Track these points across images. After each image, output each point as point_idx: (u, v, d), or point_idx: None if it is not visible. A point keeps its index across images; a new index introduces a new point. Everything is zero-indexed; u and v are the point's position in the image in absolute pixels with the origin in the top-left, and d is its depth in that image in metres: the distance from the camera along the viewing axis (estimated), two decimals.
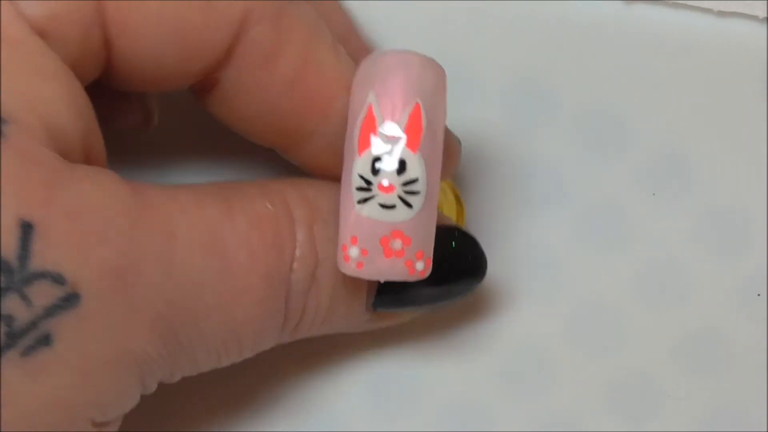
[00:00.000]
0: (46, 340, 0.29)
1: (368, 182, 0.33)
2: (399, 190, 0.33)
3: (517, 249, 0.40)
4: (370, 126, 0.33)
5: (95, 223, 0.30)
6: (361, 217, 0.33)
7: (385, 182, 0.33)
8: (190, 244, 0.32)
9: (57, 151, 0.30)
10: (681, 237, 0.39)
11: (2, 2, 0.30)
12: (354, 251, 0.34)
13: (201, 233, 0.32)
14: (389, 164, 0.33)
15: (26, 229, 0.29)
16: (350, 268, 0.34)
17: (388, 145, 0.33)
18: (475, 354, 0.40)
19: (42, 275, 0.29)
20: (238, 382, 0.39)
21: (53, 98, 0.30)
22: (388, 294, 0.36)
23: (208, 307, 0.33)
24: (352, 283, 0.35)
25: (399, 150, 0.33)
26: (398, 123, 0.33)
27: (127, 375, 0.32)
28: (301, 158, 0.36)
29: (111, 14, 0.31)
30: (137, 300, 0.31)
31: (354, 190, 0.33)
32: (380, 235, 0.33)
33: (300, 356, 0.39)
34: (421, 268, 0.34)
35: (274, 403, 0.39)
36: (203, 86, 0.34)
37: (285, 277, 0.34)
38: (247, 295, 0.33)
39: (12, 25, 0.30)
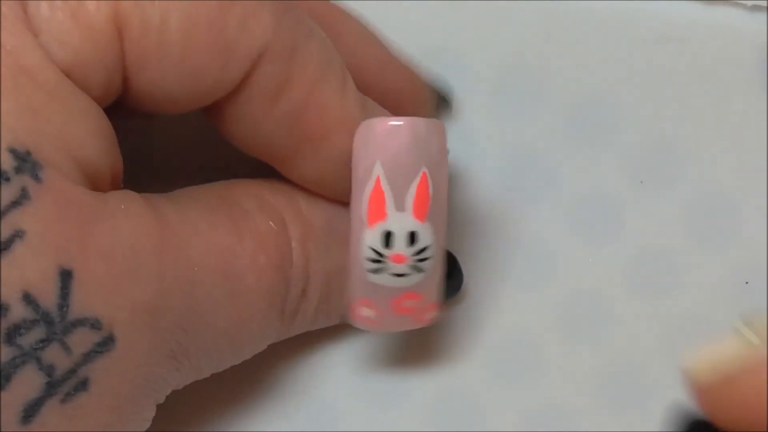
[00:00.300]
0: (84, 385, 0.29)
1: (380, 254, 0.34)
2: (411, 260, 0.34)
3: (507, 239, 0.40)
4: (380, 199, 0.33)
5: (128, 259, 0.30)
6: (372, 284, 0.34)
7: (398, 254, 0.34)
8: (206, 270, 0.32)
9: (89, 186, 0.30)
10: (670, 225, 0.40)
11: (35, 48, 0.29)
12: (365, 311, 0.35)
13: (216, 258, 0.32)
14: (400, 237, 0.33)
15: (65, 276, 0.28)
16: (360, 324, 0.35)
17: (398, 218, 0.33)
18: (465, 345, 0.40)
19: (81, 322, 0.29)
20: (229, 376, 0.38)
21: (85, 136, 0.30)
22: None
23: (218, 332, 0.33)
24: (336, 297, 0.36)
25: (409, 223, 0.33)
26: (407, 196, 0.33)
27: (149, 402, 0.32)
28: (287, 175, 0.35)
29: (132, 57, 0.31)
30: (162, 332, 0.31)
31: (364, 260, 0.34)
32: (392, 298, 0.35)
33: (289, 350, 0.39)
34: (431, 316, 0.36)
35: (263, 398, 0.39)
36: (207, 109, 0.34)
37: (284, 296, 0.34)
38: (253, 318, 0.34)
39: (46, 69, 0.29)
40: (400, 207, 0.33)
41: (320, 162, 0.34)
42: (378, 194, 0.33)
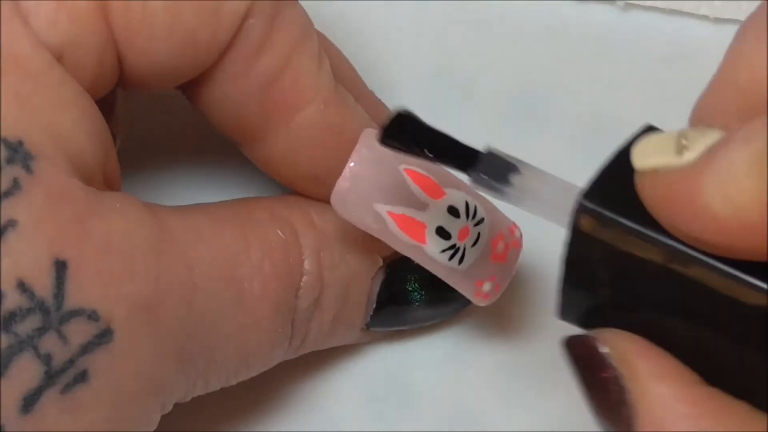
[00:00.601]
0: (83, 377, 0.29)
1: (450, 244, 0.35)
2: (470, 226, 0.35)
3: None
4: (410, 221, 0.34)
5: (124, 256, 0.30)
6: (468, 270, 0.35)
7: (461, 228, 0.35)
8: (209, 276, 0.32)
9: (80, 179, 0.30)
10: None
11: (24, 33, 0.30)
12: (486, 287, 0.36)
13: (219, 264, 0.33)
14: (448, 221, 0.35)
15: (60, 267, 0.29)
16: (492, 298, 0.36)
17: (434, 211, 0.35)
18: (470, 353, 0.40)
19: (77, 313, 0.29)
20: (237, 392, 0.38)
21: (74, 126, 0.31)
22: (384, 315, 0.37)
23: (223, 338, 0.33)
24: (353, 306, 0.36)
25: (440, 208, 0.35)
26: (419, 198, 0.34)
27: (153, 404, 0.32)
28: (254, 155, 0.36)
29: (120, 32, 0.31)
30: (162, 332, 0.31)
31: (446, 263, 0.35)
32: (488, 259, 0.36)
33: (297, 367, 0.39)
34: (518, 237, 0.37)
35: (268, 404, 0.39)
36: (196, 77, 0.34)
37: (292, 305, 0.35)
38: (259, 325, 0.34)
39: (34, 56, 0.30)
40: (422, 206, 0.34)
41: (289, 135, 0.34)
42: (403, 221, 0.34)
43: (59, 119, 0.30)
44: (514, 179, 0.30)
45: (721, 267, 0.27)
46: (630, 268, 0.28)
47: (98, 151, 0.31)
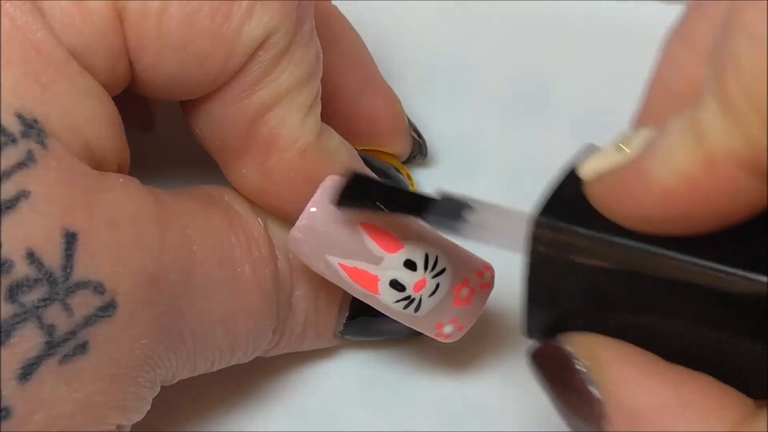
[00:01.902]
0: (83, 348, 0.30)
1: (404, 292, 0.35)
2: (427, 278, 0.35)
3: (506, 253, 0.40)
4: (360, 273, 0.35)
5: (130, 230, 0.31)
6: (426, 316, 0.35)
7: (417, 281, 0.35)
8: (206, 254, 0.33)
9: (93, 167, 0.31)
10: None
11: (44, 27, 0.30)
12: (448, 329, 0.36)
13: (214, 244, 0.33)
14: (403, 273, 0.35)
15: (70, 239, 0.29)
16: (455, 338, 0.37)
17: (389, 264, 0.35)
18: (468, 349, 0.40)
19: (84, 285, 0.30)
20: (232, 379, 0.39)
21: (92, 116, 0.31)
22: (357, 325, 0.38)
23: (214, 320, 0.34)
24: (324, 311, 0.37)
25: (395, 262, 0.35)
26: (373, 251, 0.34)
27: (146, 380, 0.32)
28: (230, 178, 0.36)
29: (132, 42, 0.32)
30: (161, 307, 0.32)
31: (402, 312, 0.35)
32: (450, 304, 0.36)
33: (293, 360, 0.40)
34: (488, 279, 0.37)
35: (266, 400, 0.40)
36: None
37: (276, 298, 0.35)
38: (248, 311, 0.34)
39: (55, 48, 0.30)
40: (376, 260, 0.34)
41: (263, 171, 0.34)
42: (355, 272, 0.34)
43: (78, 108, 0.31)
44: (468, 216, 0.31)
45: (680, 256, 0.27)
46: (591, 277, 0.29)
47: (114, 141, 0.32)
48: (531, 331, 0.31)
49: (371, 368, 0.40)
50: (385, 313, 0.35)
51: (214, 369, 0.35)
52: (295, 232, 0.34)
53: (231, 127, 0.34)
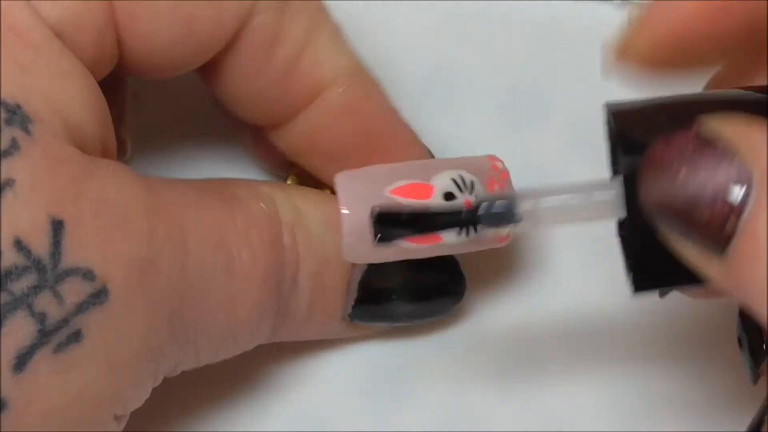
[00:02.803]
0: (76, 337, 0.30)
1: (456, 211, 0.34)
2: (471, 198, 0.35)
3: (510, 249, 0.40)
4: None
5: (119, 216, 0.31)
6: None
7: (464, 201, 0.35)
8: (199, 239, 0.33)
9: (82, 148, 0.31)
10: None
11: (23, 5, 0.30)
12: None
13: (208, 229, 0.33)
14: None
15: (57, 226, 0.29)
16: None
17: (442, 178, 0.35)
18: (464, 351, 0.40)
19: (74, 272, 0.30)
20: (229, 380, 0.39)
21: (73, 98, 0.31)
22: (365, 308, 0.37)
23: (214, 305, 0.33)
24: (331, 292, 0.36)
25: (446, 180, 0.35)
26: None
27: (146, 369, 0.32)
28: (281, 138, 0.36)
29: (122, 12, 0.32)
30: (156, 294, 0.32)
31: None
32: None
33: (290, 363, 0.40)
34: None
35: (264, 403, 0.39)
36: (203, 68, 0.35)
37: (279, 279, 0.35)
38: (248, 294, 0.34)
39: (34, 28, 0.30)
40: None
41: (309, 117, 0.35)
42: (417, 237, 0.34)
43: (58, 90, 0.31)
44: (518, 211, 0.31)
45: None
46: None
47: (97, 125, 0.32)
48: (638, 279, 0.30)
49: (368, 373, 0.39)
50: (455, 253, 0.35)
51: (219, 359, 0.35)
52: (348, 237, 0.34)
53: (268, 95, 0.35)
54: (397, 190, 0.34)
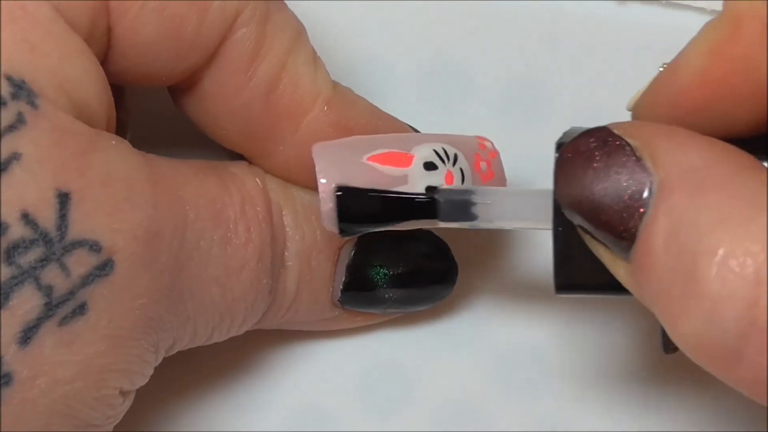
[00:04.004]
0: (81, 309, 0.30)
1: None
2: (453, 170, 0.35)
3: (510, 248, 0.41)
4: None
5: (124, 188, 0.31)
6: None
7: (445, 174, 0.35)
8: (198, 212, 0.33)
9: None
10: None
11: None
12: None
13: (206, 202, 0.34)
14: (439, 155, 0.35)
15: (63, 199, 0.30)
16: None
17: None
18: (465, 349, 0.40)
19: (80, 243, 0.30)
20: (228, 378, 0.40)
21: (80, 76, 0.31)
22: (355, 291, 0.38)
23: (211, 279, 0.34)
24: (318, 274, 0.37)
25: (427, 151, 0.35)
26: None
27: (149, 343, 0.33)
28: (269, 167, 0.36)
29: (113, 3, 0.32)
30: (158, 266, 0.32)
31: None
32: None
33: (290, 357, 0.40)
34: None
35: (263, 402, 0.40)
36: (184, 84, 0.35)
37: (271, 255, 0.35)
38: (244, 270, 0.35)
39: (41, 6, 0.31)
40: (403, 181, 0.35)
41: (297, 142, 0.35)
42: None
43: (67, 68, 0.31)
44: (476, 208, 0.32)
45: None
46: None
47: (102, 103, 0.32)
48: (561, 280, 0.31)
49: (367, 371, 0.40)
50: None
51: (214, 340, 0.36)
52: (324, 204, 0.34)
53: (251, 114, 0.35)
54: (376, 157, 0.34)
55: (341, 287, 0.37)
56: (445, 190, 0.33)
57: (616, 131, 0.29)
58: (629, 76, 0.41)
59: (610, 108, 0.40)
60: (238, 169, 0.36)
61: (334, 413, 0.39)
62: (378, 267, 0.37)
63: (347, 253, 0.37)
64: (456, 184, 0.35)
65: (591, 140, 0.29)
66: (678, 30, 0.40)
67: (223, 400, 0.39)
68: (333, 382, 0.40)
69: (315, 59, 0.35)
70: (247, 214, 0.35)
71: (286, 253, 0.36)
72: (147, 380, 0.33)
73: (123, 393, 0.32)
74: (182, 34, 0.33)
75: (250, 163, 0.37)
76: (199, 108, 0.36)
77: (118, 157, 0.32)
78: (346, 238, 0.37)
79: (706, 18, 0.40)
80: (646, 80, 0.40)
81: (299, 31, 0.35)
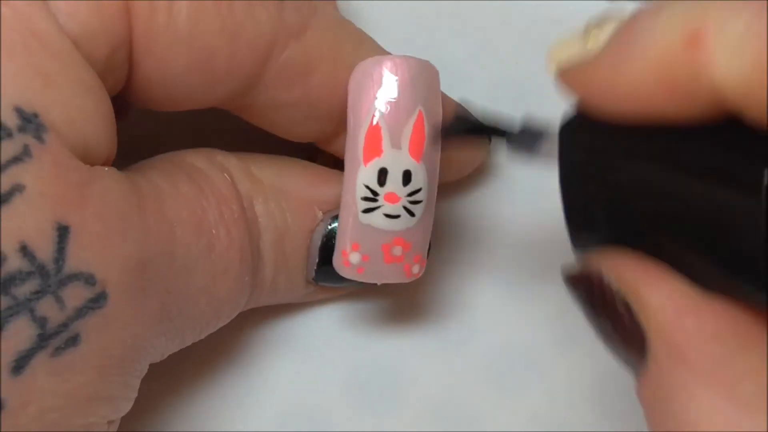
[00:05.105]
0: (74, 341, 0.30)
1: (374, 192, 0.34)
2: (404, 200, 0.34)
3: (502, 245, 0.41)
4: (376, 136, 0.34)
5: (118, 219, 0.31)
6: (363, 226, 0.35)
7: (391, 192, 0.34)
8: (184, 228, 0.33)
9: (87, 162, 0.31)
10: None
11: (46, 15, 0.30)
12: (355, 257, 0.35)
13: (189, 215, 0.34)
14: (395, 175, 0.34)
15: (62, 232, 0.29)
16: (350, 272, 0.35)
17: (393, 156, 0.34)
18: (457, 349, 0.40)
19: (76, 277, 0.30)
20: (220, 377, 0.39)
21: (91, 112, 0.31)
22: (327, 270, 0.37)
23: (197, 291, 0.34)
24: (293, 259, 0.37)
25: (405, 161, 0.34)
26: (403, 133, 0.34)
27: (136, 369, 0.33)
28: (337, 148, 0.37)
29: (139, 37, 0.32)
30: (148, 293, 0.32)
31: (359, 199, 0.34)
32: (382, 243, 0.35)
33: (282, 347, 0.40)
34: (417, 270, 0.36)
35: (255, 401, 0.40)
36: (236, 105, 0.35)
37: (249, 252, 0.35)
38: (228, 272, 0.35)
39: (58, 38, 0.30)
40: (396, 144, 0.34)
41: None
42: (374, 131, 0.34)
43: (78, 103, 0.31)
44: (543, 146, 0.31)
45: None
46: (618, 175, 0.29)
47: (106, 139, 0.32)
48: (575, 245, 0.31)
49: (360, 369, 0.40)
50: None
51: (203, 336, 0.36)
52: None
53: (315, 113, 0.35)
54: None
55: (314, 267, 0.37)
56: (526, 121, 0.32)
57: (605, 278, 0.29)
58: None
59: None
60: (202, 164, 0.35)
61: (326, 413, 0.39)
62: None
63: (319, 235, 0.37)
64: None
65: (588, 280, 0.30)
66: None
67: (213, 399, 0.39)
68: (325, 382, 0.40)
69: (359, 42, 0.36)
70: (224, 216, 0.34)
71: (260, 244, 0.36)
72: (131, 405, 0.33)
73: (109, 422, 0.32)
74: (214, 64, 0.33)
75: (211, 156, 0.36)
76: (261, 119, 0.36)
77: (113, 188, 0.31)
78: (318, 221, 0.37)
79: None
80: None
81: (339, 23, 0.35)
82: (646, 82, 0.27)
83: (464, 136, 0.33)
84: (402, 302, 0.40)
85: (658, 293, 0.28)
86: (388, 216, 0.35)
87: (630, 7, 0.40)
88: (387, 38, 0.38)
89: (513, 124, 0.31)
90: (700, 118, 0.26)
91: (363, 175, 0.34)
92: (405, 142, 0.34)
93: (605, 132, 0.29)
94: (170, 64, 0.33)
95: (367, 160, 0.34)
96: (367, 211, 0.34)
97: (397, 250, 0.35)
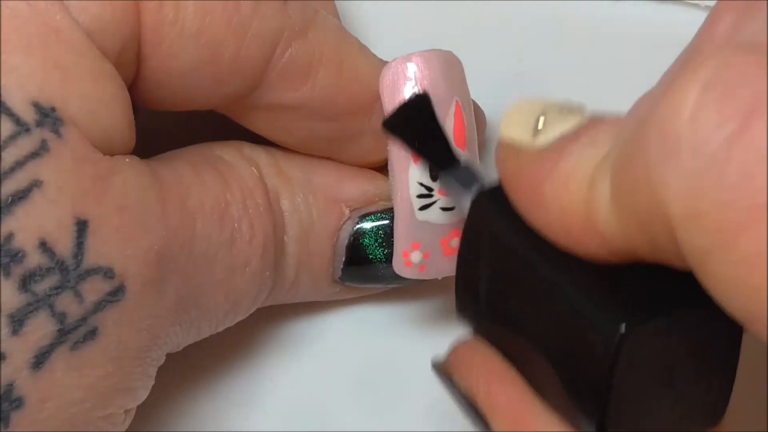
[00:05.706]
0: (93, 334, 0.30)
1: (429, 188, 0.34)
2: None
3: None
4: None
5: (138, 212, 0.31)
6: (421, 223, 0.35)
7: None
8: (206, 220, 0.33)
9: (105, 152, 0.31)
10: None
11: (61, 8, 0.30)
12: (416, 256, 0.35)
13: (212, 207, 0.33)
14: None
15: (81, 226, 0.29)
16: (412, 272, 0.36)
17: None
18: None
19: (95, 271, 0.30)
20: (224, 377, 0.39)
21: (111, 102, 0.31)
22: (354, 270, 0.37)
23: (216, 282, 0.34)
24: (318, 255, 0.37)
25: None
26: (446, 124, 0.34)
27: (153, 359, 0.33)
28: (348, 158, 0.36)
29: (148, 31, 0.32)
30: (166, 284, 0.32)
31: (414, 198, 0.35)
32: (441, 237, 0.35)
33: (284, 344, 0.40)
34: None
35: (259, 400, 0.40)
36: (241, 107, 0.35)
37: (272, 248, 0.35)
38: (249, 267, 0.34)
39: (73, 31, 0.30)
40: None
41: (375, 125, 0.35)
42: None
43: (97, 94, 0.31)
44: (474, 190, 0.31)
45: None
46: (499, 260, 0.29)
47: (127, 128, 0.32)
48: (458, 309, 0.31)
49: (364, 369, 0.40)
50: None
51: (221, 329, 0.35)
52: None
53: (322, 118, 0.35)
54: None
55: (341, 266, 0.37)
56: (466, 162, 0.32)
57: (452, 372, 0.30)
58: (628, 75, 0.40)
59: (604, 105, 0.40)
60: (230, 156, 0.35)
61: (330, 411, 0.39)
62: (377, 246, 0.37)
63: (347, 233, 0.37)
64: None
65: (440, 371, 0.31)
66: (672, 27, 0.41)
67: (218, 398, 0.39)
68: (331, 381, 0.40)
69: (361, 45, 0.35)
70: (249, 210, 0.34)
71: (285, 239, 0.36)
72: (148, 393, 0.33)
73: (126, 411, 0.32)
74: (220, 60, 0.33)
75: (241, 149, 0.36)
76: (266, 125, 0.35)
77: (133, 179, 0.31)
78: (345, 219, 0.37)
79: (701, 14, 0.41)
80: (640, 77, 0.40)
81: (340, 27, 0.35)
82: (555, 222, 0.27)
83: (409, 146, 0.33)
84: (410, 302, 0.40)
85: (500, 398, 0.29)
86: (444, 209, 0.35)
87: (630, 10, 0.41)
88: (387, 38, 0.38)
89: (457, 159, 0.31)
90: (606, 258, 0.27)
91: (415, 173, 0.34)
92: (449, 134, 0.33)
93: (514, 217, 0.28)
94: (178, 59, 0.32)
95: (417, 158, 0.34)
96: (423, 208, 0.35)
97: (455, 242, 0.35)
